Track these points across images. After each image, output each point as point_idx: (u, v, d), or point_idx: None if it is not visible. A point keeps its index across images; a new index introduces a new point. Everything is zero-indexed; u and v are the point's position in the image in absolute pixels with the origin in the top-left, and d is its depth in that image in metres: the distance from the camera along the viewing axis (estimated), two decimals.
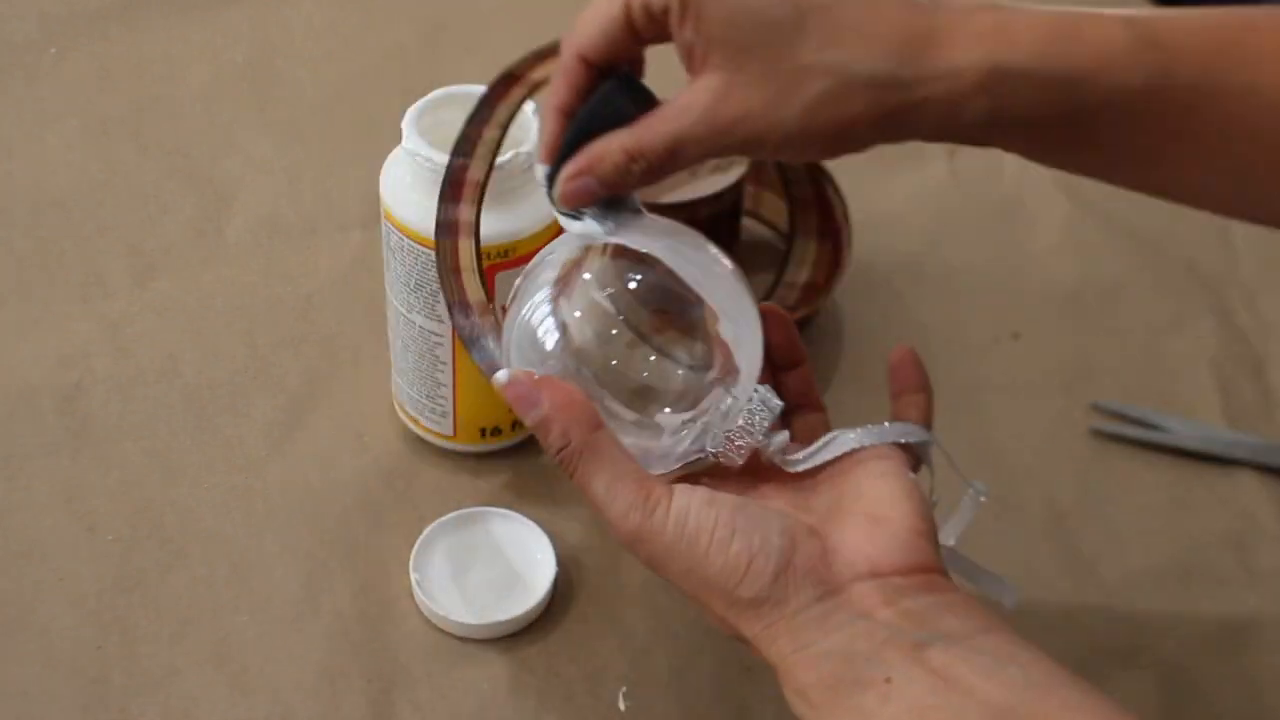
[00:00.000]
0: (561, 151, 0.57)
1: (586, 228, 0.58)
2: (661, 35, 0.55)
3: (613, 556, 0.73)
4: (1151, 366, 0.85)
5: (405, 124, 0.69)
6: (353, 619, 0.70)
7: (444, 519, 0.73)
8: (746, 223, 0.88)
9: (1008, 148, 0.55)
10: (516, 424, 0.76)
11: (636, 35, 0.55)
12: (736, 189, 0.82)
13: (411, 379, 0.74)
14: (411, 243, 0.69)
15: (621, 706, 0.68)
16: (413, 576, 0.71)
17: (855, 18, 0.52)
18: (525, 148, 0.68)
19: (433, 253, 0.69)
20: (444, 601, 0.70)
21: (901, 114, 0.52)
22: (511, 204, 0.69)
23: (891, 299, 0.88)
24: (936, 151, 0.97)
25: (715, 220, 0.82)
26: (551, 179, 0.58)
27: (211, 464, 0.76)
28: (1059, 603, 0.74)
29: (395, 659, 0.69)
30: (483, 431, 0.75)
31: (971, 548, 0.76)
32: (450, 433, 0.75)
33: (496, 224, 0.68)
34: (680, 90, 0.54)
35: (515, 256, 0.69)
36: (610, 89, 0.56)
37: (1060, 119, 0.53)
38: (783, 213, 0.88)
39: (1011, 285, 0.89)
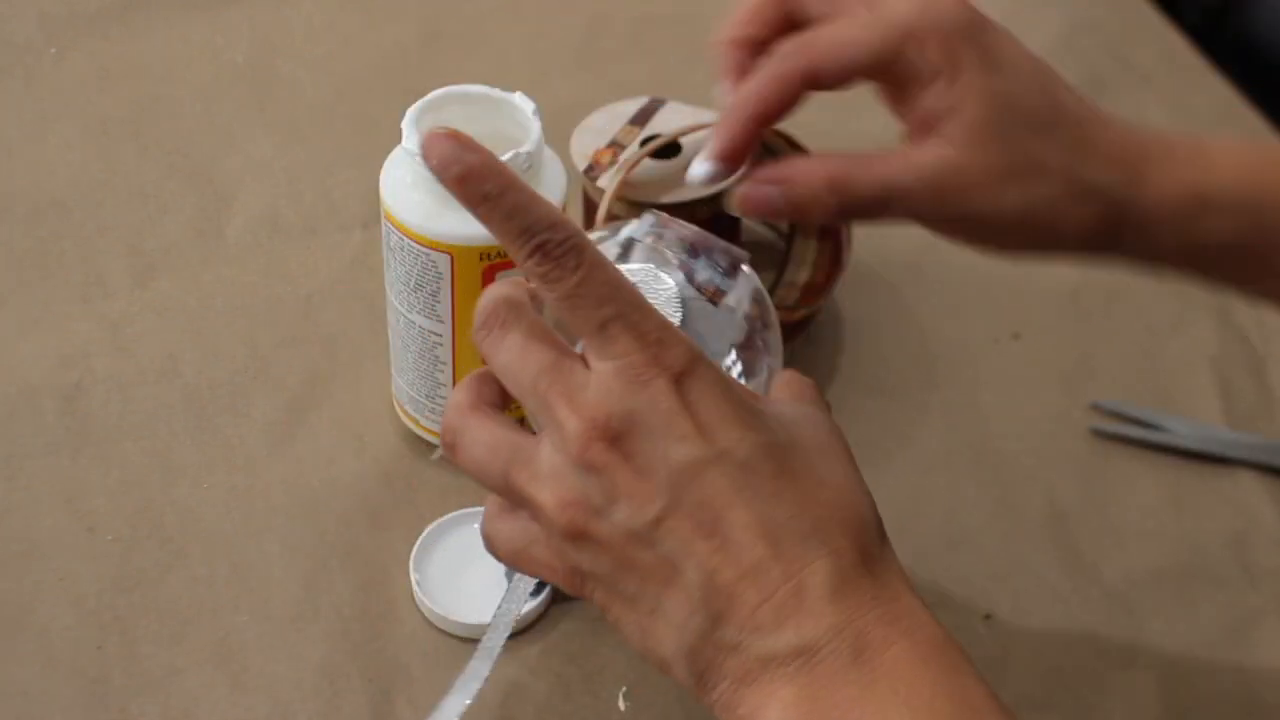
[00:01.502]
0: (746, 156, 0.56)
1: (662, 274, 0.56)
2: (897, 76, 0.56)
3: None
4: (1151, 366, 0.85)
5: (405, 124, 0.69)
6: (353, 619, 0.70)
7: (444, 519, 0.73)
8: (746, 223, 0.88)
9: (1204, 274, 0.57)
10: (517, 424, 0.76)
11: (883, 74, 0.56)
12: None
13: (411, 379, 0.74)
14: (411, 243, 0.69)
15: (621, 706, 0.68)
16: (413, 576, 0.71)
17: (1095, 133, 0.55)
18: (525, 148, 0.68)
19: (432, 252, 0.69)
20: (444, 601, 0.70)
21: (1113, 227, 0.55)
22: None
23: (891, 299, 0.88)
24: None
25: (715, 220, 0.82)
26: (718, 175, 0.57)
27: (211, 464, 0.76)
28: (1059, 603, 0.74)
29: (395, 659, 0.69)
30: None
31: (972, 548, 0.76)
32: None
33: None
34: (916, 145, 0.55)
35: None
36: None
37: (1252, 245, 0.55)
38: None
39: (1011, 285, 0.89)
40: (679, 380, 0.48)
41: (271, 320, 0.83)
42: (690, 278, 0.55)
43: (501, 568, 0.63)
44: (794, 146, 0.84)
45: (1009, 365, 0.85)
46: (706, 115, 0.83)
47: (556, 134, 0.75)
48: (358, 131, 0.93)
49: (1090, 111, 0.56)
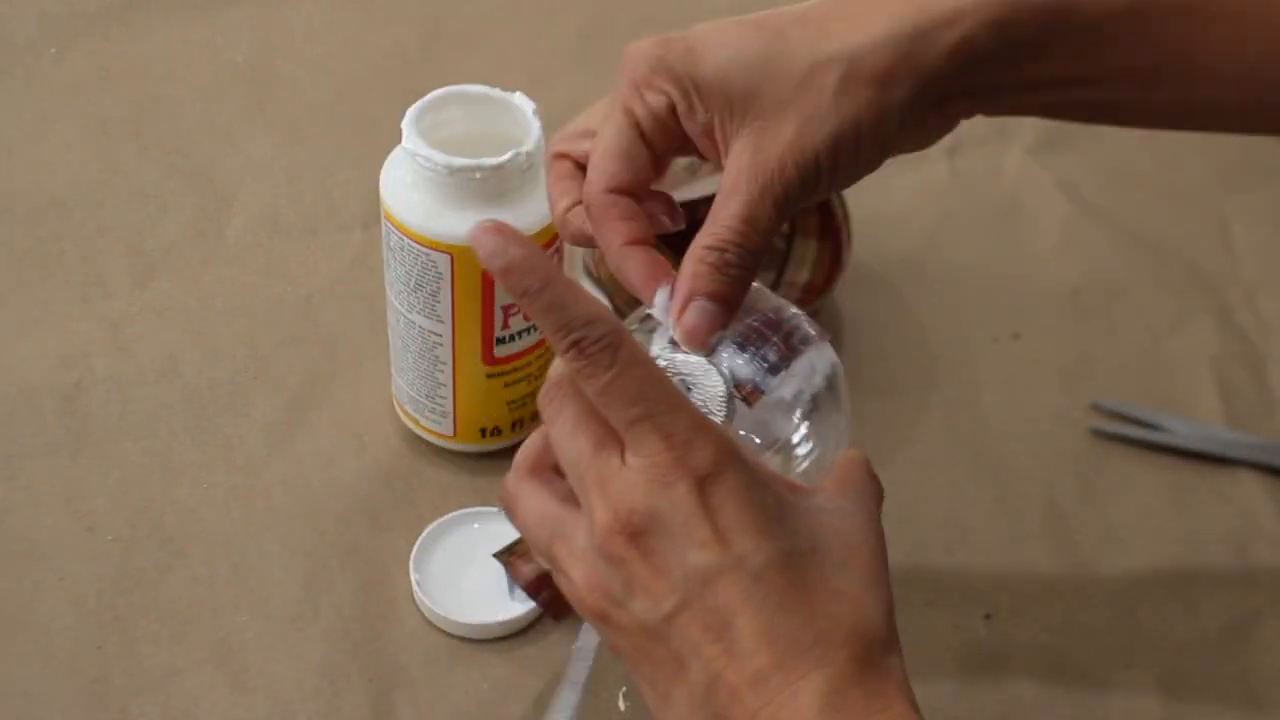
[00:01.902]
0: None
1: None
2: (676, 140, 0.54)
3: None
4: (1151, 366, 0.85)
5: (405, 124, 0.69)
6: (353, 619, 0.70)
7: (444, 519, 0.73)
8: None
9: (1024, 100, 0.54)
10: (516, 424, 0.76)
11: (653, 150, 0.54)
12: None
13: (411, 379, 0.74)
14: (411, 243, 0.69)
15: (621, 706, 0.68)
16: (413, 576, 0.71)
17: (824, 13, 0.52)
18: (525, 148, 0.68)
19: (432, 252, 0.69)
20: (444, 601, 0.70)
21: (921, 60, 0.52)
22: (512, 204, 0.69)
23: (891, 299, 0.88)
24: (936, 151, 0.97)
25: None
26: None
27: (211, 464, 0.76)
28: (1059, 603, 0.74)
29: (395, 659, 0.69)
30: (483, 431, 0.75)
31: (972, 548, 0.76)
32: (450, 433, 0.75)
33: None
34: (725, 170, 0.54)
35: None
36: None
37: (1061, 47, 0.53)
38: None
39: (1011, 285, 0.89)
40: (702, 484, 0.49)
41: (271, 320, 0.83)
42: (734, 373, 0.55)
43: (501, 569, 0.63)
44: None
45: (1009, 365, 0.85)
46: None
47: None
48: (358, 131, 0.93)
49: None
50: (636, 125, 0.54)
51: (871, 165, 0.54)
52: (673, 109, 0.53)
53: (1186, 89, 0.56)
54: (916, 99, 0.53)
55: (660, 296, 0.55)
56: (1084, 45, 0.54)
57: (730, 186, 0.53)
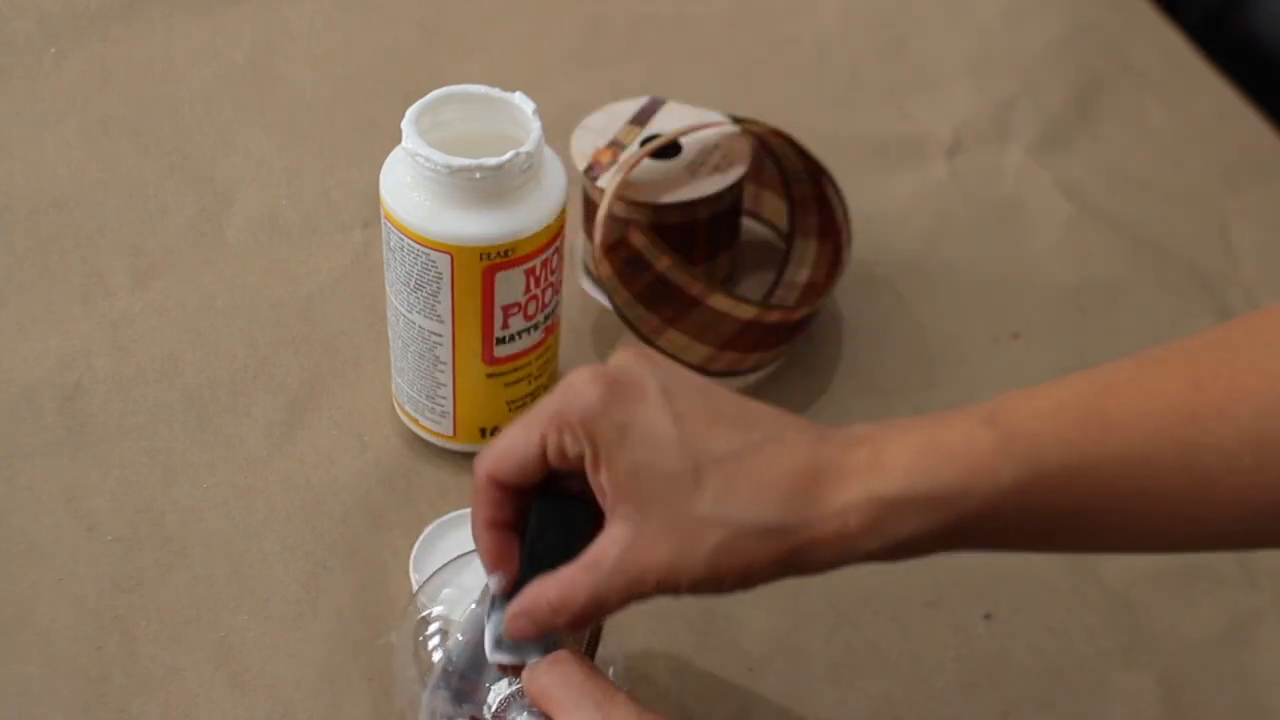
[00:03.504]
0: (517, 582, 0.58)
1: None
2: (573, 471, 0.56)
3: None
4: None
5: (405, 124, 0.69)
6: (353, 619, 0.70)
7: (444, 519, 0.73)
8: (746, 223, 0.88)
9: (908, 558, 0.56)
10: None
11: (549, 469, 0.56)
12: (736, 189, 0.82)
13: (411, 379, 0.75)
14: (411, 243, 0.69)
15: None
16: (412, 576, 0.71)
17: (748, 468, 0.54)
18: (525, 148, 0.68)
19: (432, 252, 0.69)
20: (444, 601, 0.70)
21: (796, 555, 0.54)
22: (511, 204, 0.69)
23: (891, 299, 0.88)
24: (936, 151, 0.97)
25: (715, 220, 0.82)
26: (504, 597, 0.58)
27: (212, 464, 0.76)
28: (1059, 603, 0.74)
29: (395, 659, 0.69)
30: (483, 431, 0.75)
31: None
32: (450, 433, 0.75)
33: (496, 224, 0.68)
34: (597, 540, 0.55)
35: (515, 256, 0.69)
36: (545, 511, 0.58)
37: (947, 531, 0.54)
38: (783, 213, 0.88)
39: (1011, 285, 0.89)
40: None
41: (271, 320, 0.83)
42: None
43: None
44: (795, 148, 0.84)
45: (1009, 365, 0.85)
46: (706, 115, 0.83)
47: (556, 134, 0.75)
48: (358, 131, 0.93)
49: (752, 447, 0.55)
50: (543, 452, 0.56)
51: (731, 593, 0.56)
52: (582, 457, 0.55)
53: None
54: (789, 574, 0.55)
55: (494, 582, 0.58)
56: (974, 528, 0.54)
57: (594, 560, 0.55)
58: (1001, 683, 0.71)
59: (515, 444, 0.56)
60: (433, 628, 0.65)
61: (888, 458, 0.54)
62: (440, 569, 0.67)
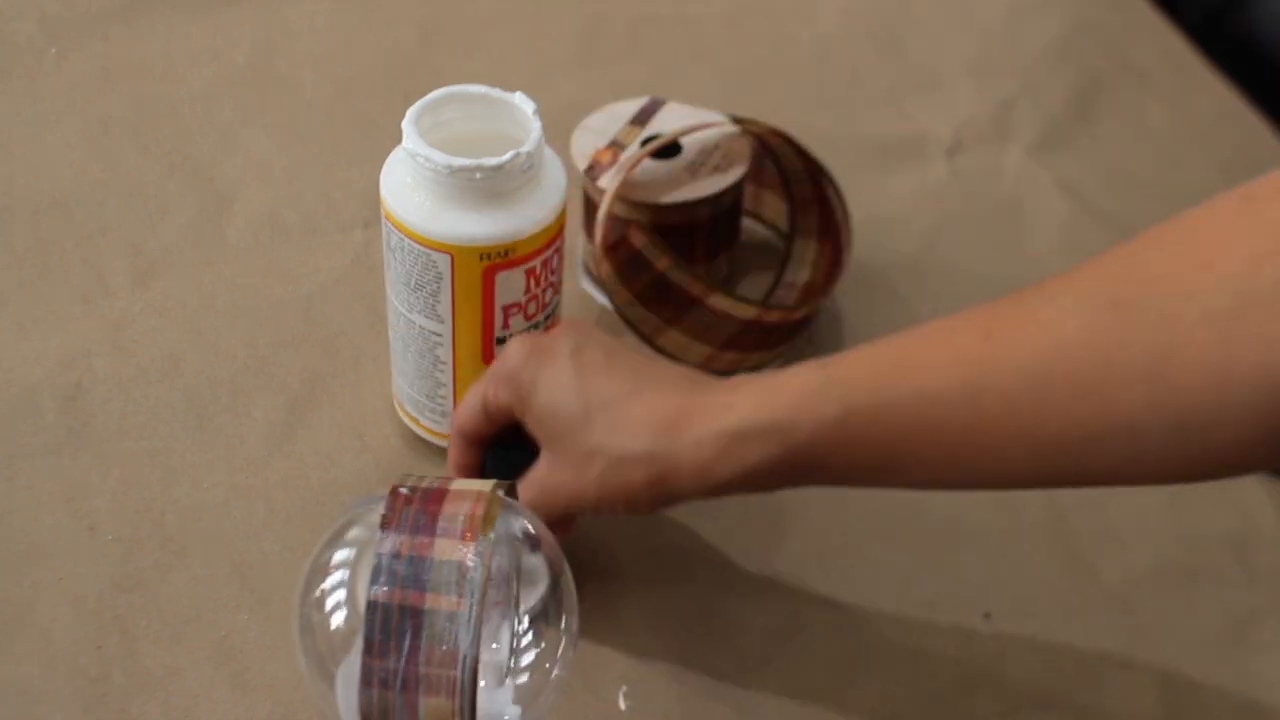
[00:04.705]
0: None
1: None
2: (511, 418, 0.67)
3: (613, 556, 0.74)
4: None
5: (405, 124, 0.69)
6: None
7: None
8: (746, 223, 0.88)
9: (760, 489, 0.63)
10: None
11: (490, 420, 0.68)
12: (736, 189, 0.82)
13: (411, 379, 0.75)
14: (411, 243, 0.69)
15: (622, 706, 0.68)
16: None
17: (627, 409, 0.64)
18: (525, 148, 0.68)
19: (432, 252, 0.69)
20: None
21: (665, 480, 0.63)
22: (511, 204, 0.69)
23: (891, 299, 0.88)
24: (936, 151, 0.97)
25: (715, 220, 0.82)
26: None
27: (212, 464, 0.76)
28: (1059, 603, 0.74)
29: None
30: None
31: (972, 549, 0.76)
32: (450, 433, 0.75)
33: (496, 224, 0.68)
34: (530, 469, 0.67)
35: (515, 256, 0.69)
36: (494, 458, 0.69)
37: (788, 459, 0.61)
38: (783, 213, 0.88)
39: (1011, 285, 0.88)
40: None
41: (271, 320, 0.83)
42: None
43: None
44: (795, 148, 0.84)
45: None
46: (706, 115, 0.83)
47: (556, 134, 0.75)
48: (358, 131, 0.94)
49: (634, 393, 0.64)
50: (485, 404, 0.68)
51: (631, 514, 0.67)
52: (511, 408, 0.67)
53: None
54: (664, 500, 0.65)
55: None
56: (808, 459, 0.62)
57: (527, 483, 0.67)
58: (1001, 683, 0.71)
59: (468, 400, 0.69)
60: (333, 579, 0.60)
61: (739, 398, 0.63)
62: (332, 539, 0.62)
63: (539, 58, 1.00)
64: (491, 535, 0.56)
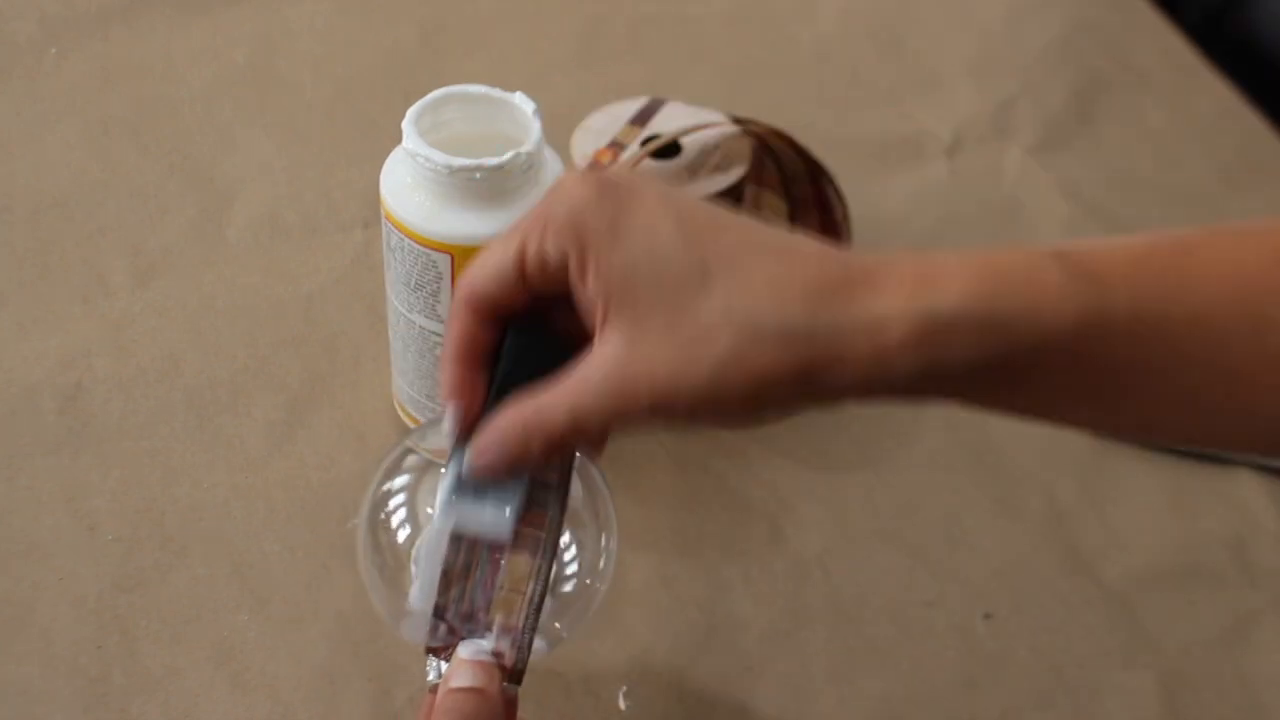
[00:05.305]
0: (481, 417, 0.52)
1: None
2: (555, 288, 0.50)
3: None
4: None
5: (405, 124, 0.69)
6: (353, 619, 0.70)
7: None
8: None
9: (941, 397, 0.49)
10: None
11: (528, 286, 0.50)
12: (736, 189, 0.82)
13: (411, 379, 0.75)
14: (411, 243, 0.69)
15: (622, 706, 0.68)
16: (413, 573, 0.71)
17: (764, 268, 0.47)
18: (525, 148, 0.68)
19: (432, 252, 0.69)
20: None
21: (817, 371, 0.47)
22: (512, 204, 0.69)
23: None
24: (936, 151, 0.97)
25: None
26: (461, 441, 0.53)
27: (212, 464, 0.76)
28: (1059, 603, 0.74)
29: (395, 659, 0.69)
30: None
31: (972, 549, 0.76)
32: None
33: (496, 224, 0.68)
34: (583, 357, 0.49)
35: None
36: (518, 345, 0.51)
37: (997, 364, 0.47)
38: (783, 213, 0.88)
39: None
40: None
41: (271, 320, 0.83)
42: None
43: None
44: (795, 148, 0.84)
45: None
46: (706, 115, 0.83)
47: (556, 134, 0.75)
48: (358, 131, 0.94)
49: (767, 247, 0.48)
50: (522, 260, 0.50)
51: (735, 429, 0.49)
52: (565, 264, 0.49)
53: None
54: (808, 400, 0.48)
55: (450, 414, 0.53)
56: (1024, 366, 0.49)
57: (579, 380, 0.48)
58: (1001, 683, 0.71)
59: (492, 255, 0.50)
60: (396, 501, 0.61)
61: (942, 272, 0.47)
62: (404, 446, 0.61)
63: (539, 58, 1.00)
64: None
